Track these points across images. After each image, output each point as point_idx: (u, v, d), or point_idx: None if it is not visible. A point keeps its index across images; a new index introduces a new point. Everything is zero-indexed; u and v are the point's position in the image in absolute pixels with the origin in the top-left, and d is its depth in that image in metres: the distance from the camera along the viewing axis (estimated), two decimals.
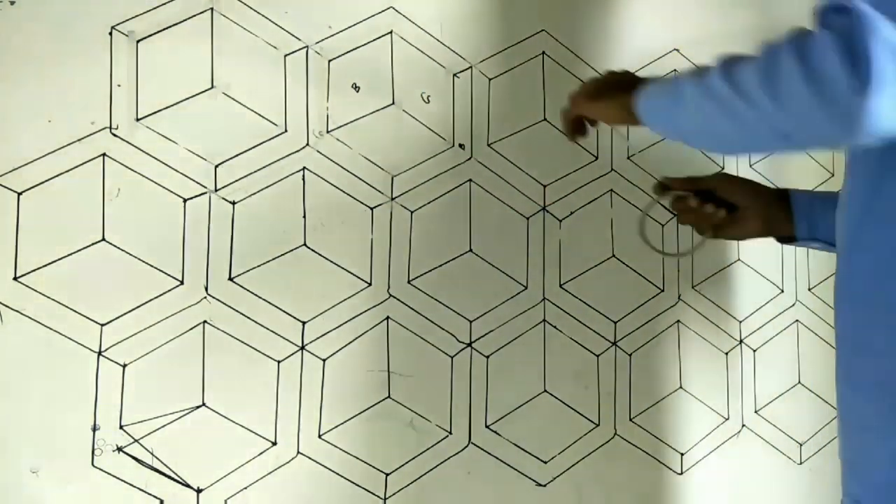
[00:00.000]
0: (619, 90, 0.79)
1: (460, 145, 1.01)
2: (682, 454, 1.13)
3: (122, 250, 0.82)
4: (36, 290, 0.78)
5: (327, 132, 0.93)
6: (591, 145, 1.10)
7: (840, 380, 0.74)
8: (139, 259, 0.83)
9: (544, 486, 1.02)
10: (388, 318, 0.95)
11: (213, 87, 0.87)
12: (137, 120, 0.83)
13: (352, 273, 0.93)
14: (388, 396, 0.94)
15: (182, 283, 0.84)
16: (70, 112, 0.80)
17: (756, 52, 0.61)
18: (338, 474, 0.90)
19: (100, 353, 0.80)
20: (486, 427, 0.99)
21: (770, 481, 1.20)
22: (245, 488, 0.86)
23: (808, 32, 0.55)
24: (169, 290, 0.84)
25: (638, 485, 1.09)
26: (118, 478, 0.80)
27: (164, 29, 0.85)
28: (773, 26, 1.17)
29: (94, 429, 0.79)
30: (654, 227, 1.07)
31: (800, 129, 0.57)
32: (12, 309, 0.77)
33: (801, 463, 1.22)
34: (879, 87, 0.49)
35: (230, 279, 0.87)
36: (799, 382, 1.24)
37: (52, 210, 0.79)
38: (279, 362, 0.88)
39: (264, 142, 0.89)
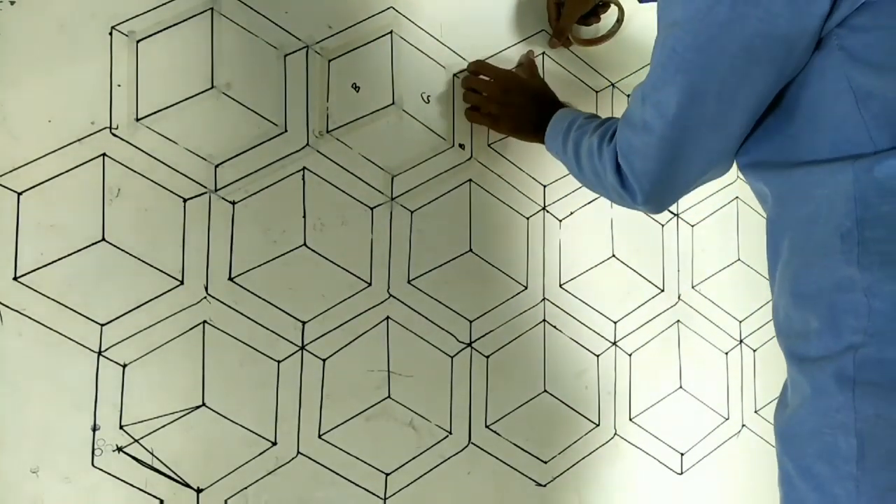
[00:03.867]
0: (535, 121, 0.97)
1: (460, 145, 1.01)
2: (682, 454, 1.13)
3: (122, 250, 0.82)
4: (36, 290, 0.78)
5: (327, 132, 0.93)
6: None
7: None
8: (139, 259, 0.83)
9: (544, 486, 1.02)
10: (388, 318, 0.95)
11: (213, 87, 0.87)
12: (137, 120, 0.83)
13: (352, 273, 0.93)
14: (388, 396, 0.94)
15: (182, 283, 0.84)
16: (70, 112, 0.80)
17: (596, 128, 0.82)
18: (338, 474, 0.90)
19: (100, 353, 0.80)
20: (486, 427, 0.99)
21: (770, 481, 1.19)
22: (245, 488, 0.86)
23: (610, 143, 0.78)
24: (169, 290, 0.84)
25: (638, 485, 1.09)
26: (118, 478, 0.80)
27: (164, 29, 0.85)
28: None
29: (94, 429, 0.79)
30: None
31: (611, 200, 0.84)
32: (12, 309, 0.77)
33: None
34: (640, 198, 0.75)
35: (230, 279, 0.87)
36: None
37: (52, 210, 0.79)
38: (279, 362, 0.88)
39: (264, 142, 0.89)
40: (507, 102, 0.97)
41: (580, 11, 1.03)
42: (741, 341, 1.19)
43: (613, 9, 1.06)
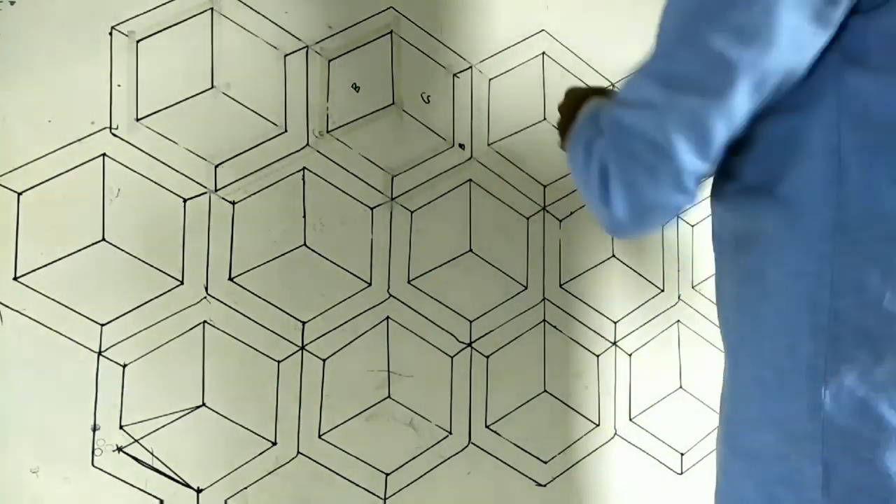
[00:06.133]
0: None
1: (460, 145, 1.01)
2: (682, 454, 1.13)
3: (122, 250, 0.82)
4: (36, 290, 0.78)
5: (327, 132, 0.93)
6: None
7: None
8: (139, 259, 0.83)
9: (544, 486, 1.02)
10: (388, 318, 0.95)
11: (213, 87, 0.87)
12: (137, 120, 0.83)
13: (352, 273, 0.93)
14: (388, 396, 0.94)
15: (182, 283, 0.84)
16: (70, 112, 0.80)
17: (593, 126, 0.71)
18: (338, 474, 0.90)
19: (100, 353, 0.80)
20: (486, 427, 0.99)
21: None
22: (245, 488, 0.86)
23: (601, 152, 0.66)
24: (169, 290, 0.84)
25: (638, 485, 1.09)
26: (118, 478, 0.80)
27: (164, 29, 0.85)
28: None
29: (94, 429, 0.79)
30: None
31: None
32: (12, 309, 0.77)
33: None
34: (618, 226, 0.66)
35: (230, 279, 0.87)
36: None
37: (52, 210, 0.79)
38: (279, 362, 0.88)
39: (264, 142, 0.89)
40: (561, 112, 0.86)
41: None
42: None
43: None
